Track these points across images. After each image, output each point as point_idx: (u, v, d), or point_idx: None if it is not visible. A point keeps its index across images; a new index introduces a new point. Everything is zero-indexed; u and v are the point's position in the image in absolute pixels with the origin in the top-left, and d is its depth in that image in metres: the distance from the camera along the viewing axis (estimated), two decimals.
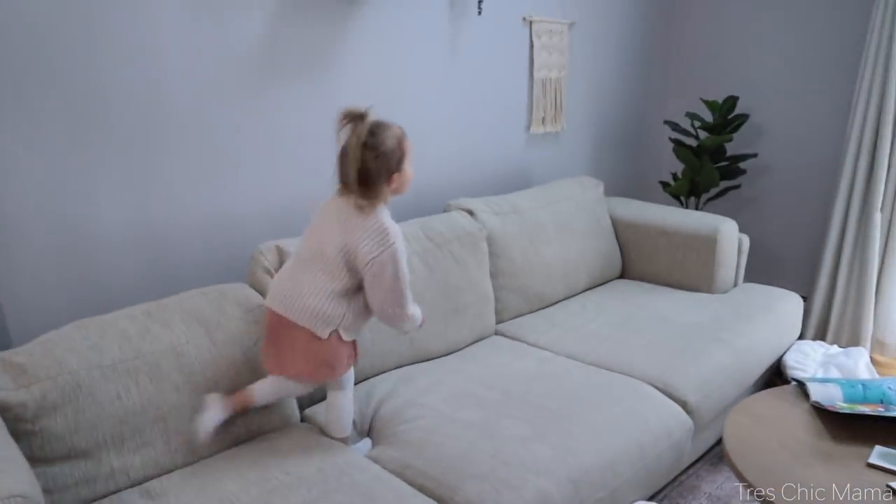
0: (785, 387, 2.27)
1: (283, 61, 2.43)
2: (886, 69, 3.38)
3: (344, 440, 2.03)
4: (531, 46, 3.29)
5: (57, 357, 1.75)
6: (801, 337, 3.69)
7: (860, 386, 2.18)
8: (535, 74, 3.33)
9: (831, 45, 3.70)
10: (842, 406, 2.05)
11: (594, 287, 3.23)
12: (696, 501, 2.46)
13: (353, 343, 1.97)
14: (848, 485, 1.74)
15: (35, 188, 2.00)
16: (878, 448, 1.90)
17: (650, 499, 2.39)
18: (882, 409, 2.03)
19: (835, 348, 3.17)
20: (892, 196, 3.50)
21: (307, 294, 1.87)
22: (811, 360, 2.99)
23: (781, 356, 3.04)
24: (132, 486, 1.79)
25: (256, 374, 2.02)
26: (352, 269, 1.87)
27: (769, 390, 2.25)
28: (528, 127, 3.40)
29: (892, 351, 3.65)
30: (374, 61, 2.70)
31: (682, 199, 3.84)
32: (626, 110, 3.97)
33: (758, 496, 1.73)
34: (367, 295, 1.89)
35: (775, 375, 3.07)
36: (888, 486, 1.73)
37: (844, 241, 3.61)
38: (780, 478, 1.77)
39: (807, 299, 3.84)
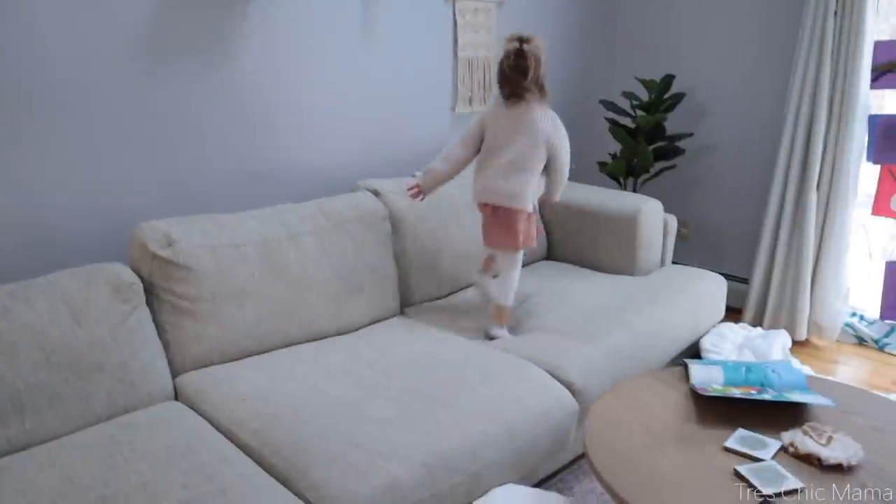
0: (671, 369, 2.24)
1: (176, 41, 2.41)
2: (821, 50, 3.33)
3: (508, 309, 2.57)
4: (454, 25, 3.24)
5: None
6: (740, 319, 3.66)
7: (743, 369, 2.15)
8: (460, 53, 3.28)
9: (769, 25, 3.64)
10: (714, 389, 2.01)
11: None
12: (591, 485, 2.44)
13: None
14: (694, 470, 1.72)
15: None
16: (739, 431, 1.87)
17: (541, 484, 2.38)
18: (754, 392, 1.99)
19: (757, 331, 3.14)
20: (828, 175, 3.45)
21: (519, 185, 2.45)
22: (729, 343, 2.96)
23: (700, 338, 3.00)
24: None
25: (126, 350, 2.02)
26: (542, 153, 2.47)
27: (653, 372, 2.22)
28: (454, 107, 3.35)
29: (829, 333, 3.62)
30: (280, 40, 2.67)
31: (621, 179, 3.80)
32: (562, 90, 3.91)
33: (597, 477, 1.71)
34: (558, 164, 2.52)
35: (695, 358, 3.04)
36: (735, 470, 1.71)
37: (782, 221, 3.57)
38: (629, 462, 1.74)
39: (747, 281, 3.80)
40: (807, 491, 1.64)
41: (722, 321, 3.22)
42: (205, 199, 2.59)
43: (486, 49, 3.39)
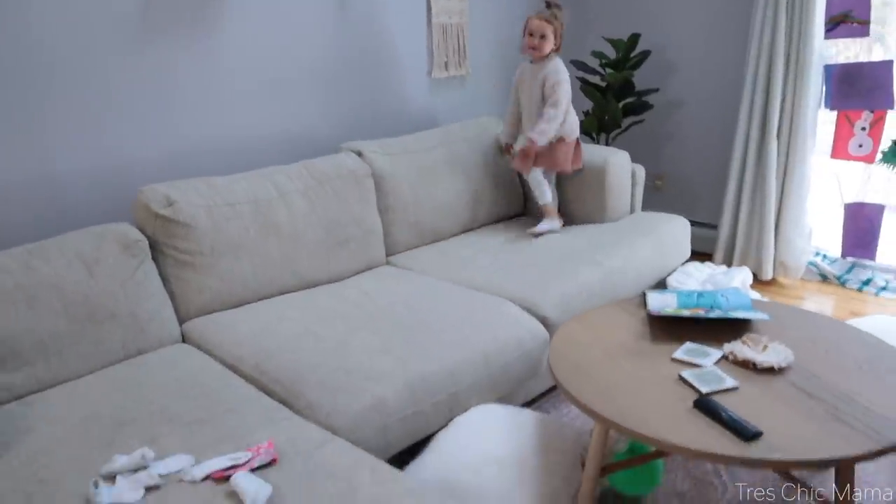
0: (631, 298, 2.46)
1: (163, 13, 2.61)
2: (776, 4, 3.51)
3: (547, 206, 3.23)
4: None
5: None
6: (709, 261, 3.88)
7: (695, 295, 2.37)
8: (434, 20, 3.47)
9: None
10: (666, 311, 2.24)
11: (496, 222, 3.42)
12: (566, 409, 2.68)
13: None
14: (644, 377, 1.94)
15: None
16: (686, 344, 2.09)
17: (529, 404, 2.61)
18: (702, 313, 2.22)
19: (720, 268, 3.36)
20: (787, 124, 3.65)
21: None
22: (693, 280, 3.18)
23: (667, 276, 3.23)
24: (13, 399, 2.02)
25: (136, 300, 2.24)
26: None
27: (615, 302, 2.44)
28: (430, 72, 3.55)
29: (794, 272, 3.84)
30: (258, 12, 2.86)
31: (594, 135, 4.00)
32: None
33: (558, 385, 1.94)
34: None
35: None
36: (679, 375, 1.93)
37: (746, 169, 3.78)
38: (587, 373, 1.97)
39: (717, 227, 4.02)
40: (741, 389, 1.87)
41: (689, 262, 3.44)
42: (197, 164, 2.80)
43: (459, 16, 3.58)
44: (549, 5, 3.12)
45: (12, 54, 2.32)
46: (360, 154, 2.97)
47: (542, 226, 3.20)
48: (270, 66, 2.95)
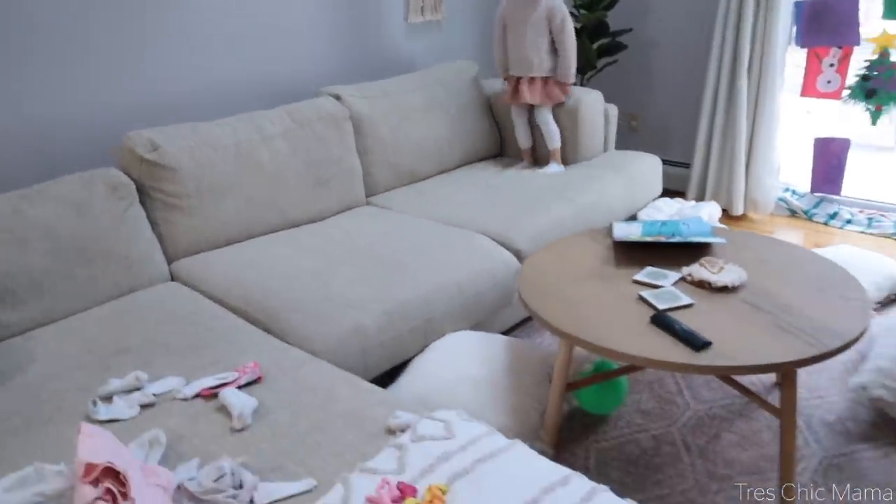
0: (599, 229, 2.57)
1: None
2: None
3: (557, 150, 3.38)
4: None
5: None
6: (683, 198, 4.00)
7: (659, 223, 2.49)
8: None
9: None
10: (630, 238, 2.36)
11: (472, 163, 3.52)
12: (539, 337, 2.82)
13: None
14: (606, 297, 2.07)
15: None
16: (647, 268, 2.22)
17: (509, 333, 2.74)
18: (664, 239, 2.34)
19: (689, 203, 3.48)
20: (757, 62, 3.73)
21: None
22: (662, 214, 3.31)
23: (638, 212, 3.35)
24: (12, 336, 2.13)
25: (126, 241, 2.35)
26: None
27: (586, 231, 2.55)
28: (407, 17, 3.61)
29: (763, 207, 3.97)
30: None
31: None
32: None
33: (525, 306, 2.07)
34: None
35: None
36: (639, 295, 2.07)
37: (717, 107, 3.88)
38: (553, 295, 2.10)
39: (689, 165, 4.13)
40: (696, 306, 2.01)
41: (661, 198, 3.56)
42: (179, 109, 2.88)
43: None
44: None
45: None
46: (338, 98, 3.05)
47: (552, 168, 3.35)
48: (250, 12, 3.01)
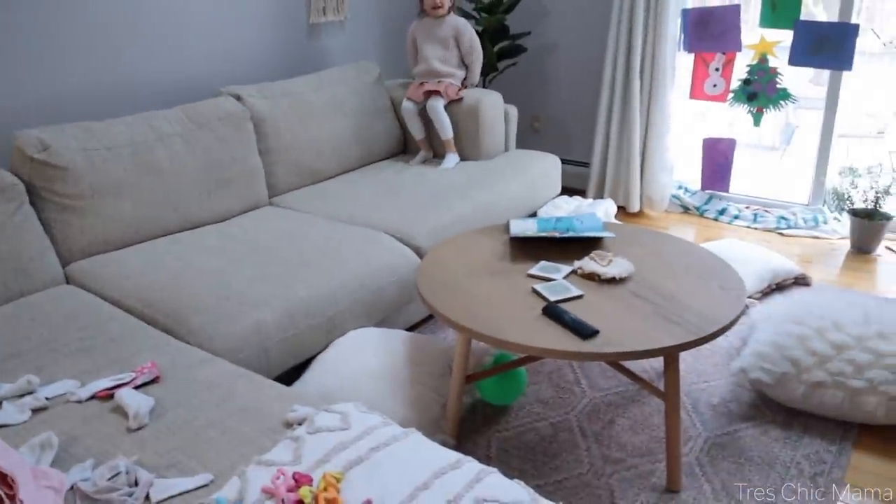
0: (496, 226, 2.65)
1: None
2: None
3: (450, 141, 3.48)
4: None
5: None
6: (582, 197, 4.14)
7: (554, 220, 2.59)
8: None
9: None
10: (526, 234, 2.45)
11: (374, 162, 3.56)
12: (443, 334, 2.88)
13: None
14: (501, 290, 2.15)
15: None
16: (541, 263, 2.31)
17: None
18: (557, 234, 2.44)
19: (587, 201, 3.62)
20: (649, 64, 3.91)
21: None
22: (561, 212, 3.43)
23: (538, 210, 3.46)
24: None
25: (16, 244, 2.28)
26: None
27: (483, 228, 2.63)
28: (309, 17, 3.62)
29: (658, 205, 4.15)
30: None
31: None
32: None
33: (423, 301, 2.12)
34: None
35: None
36: (532, 288, 2.15)
37: (613, 108, 4.04)
38: (450, 289, 2.16)
39: (589, 164, 4.28)
40: (585, 297, 2.10)
41: (559, 196, 3.69)
42: (73, 110, 2.81)
43: None
44: None
45: None
46: (239, 98, 3.04)
47: (450, 161, 3.50)
48: (148, 10, 2.96)
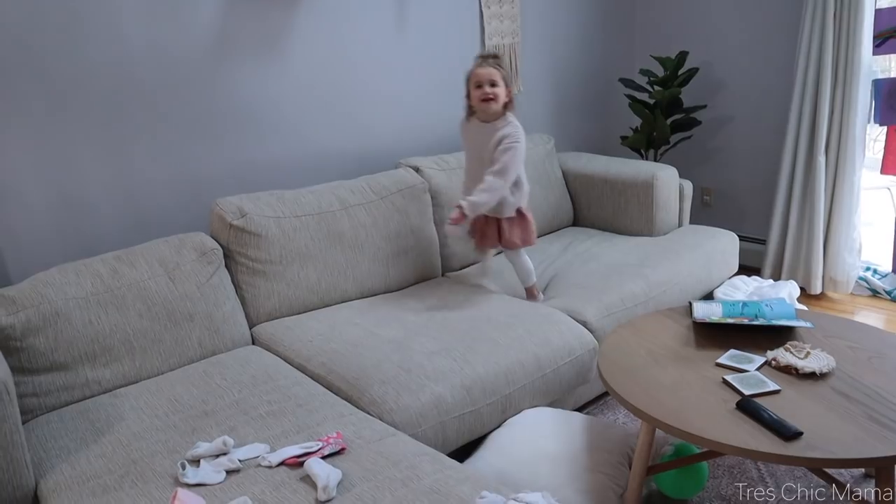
0: (678, 307, 2.55)
1: (238, 43, 2.81)
2: (823, 20, 3.57)
3: (534, 287, 2.84)
4: (481, 16, 3.59)
5: (40, 291, 2.17)
6: (759, 276, 3.93)
7: (741, 304, 2.46)
8: (487, 42, 3.62)
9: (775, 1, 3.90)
10: (712, 319, 2.33)
11: (546, 234, 3.53)
12: (613, 416, 2.77)
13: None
14: (689, 380, 2.04)
15: (26, 160, 2.42)
16: (731, 351, 2.19)
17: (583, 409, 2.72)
18: (746, 321, 2.31)
19: (767, 281, 3.42)
20: (835, 139, 3.70)
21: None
22: (740, 293, 3.25)
23: (714, 290, 3.31)
24: (103, 392, 2.21)
25: (211, 303, 2.42)
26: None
27: (663, 310, 2.54)
28: None
29: (843, 287, 3.87)
30: (324, 37, 3.05)
31: (642, 151, 4.10)
32: (584, 70, 4.22)
33: (606, 386, 2.05)
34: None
35: None
36: (723, 378, 2.03)
37: (794, 184, 3.83)
38: (634, 375, 2.08)
39: (766, 242, 4.07)
40: (783, 392, 1.96)
41: (737, 275, 3.51)
42: (266, 178, 2.99)
43: (512, 36, 3.73)
44: (487, 57, 2.70)
45: (111, 87, 2.55)
46: (417, 169, 3.12)
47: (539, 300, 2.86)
48: (336, 89, 3.13)
